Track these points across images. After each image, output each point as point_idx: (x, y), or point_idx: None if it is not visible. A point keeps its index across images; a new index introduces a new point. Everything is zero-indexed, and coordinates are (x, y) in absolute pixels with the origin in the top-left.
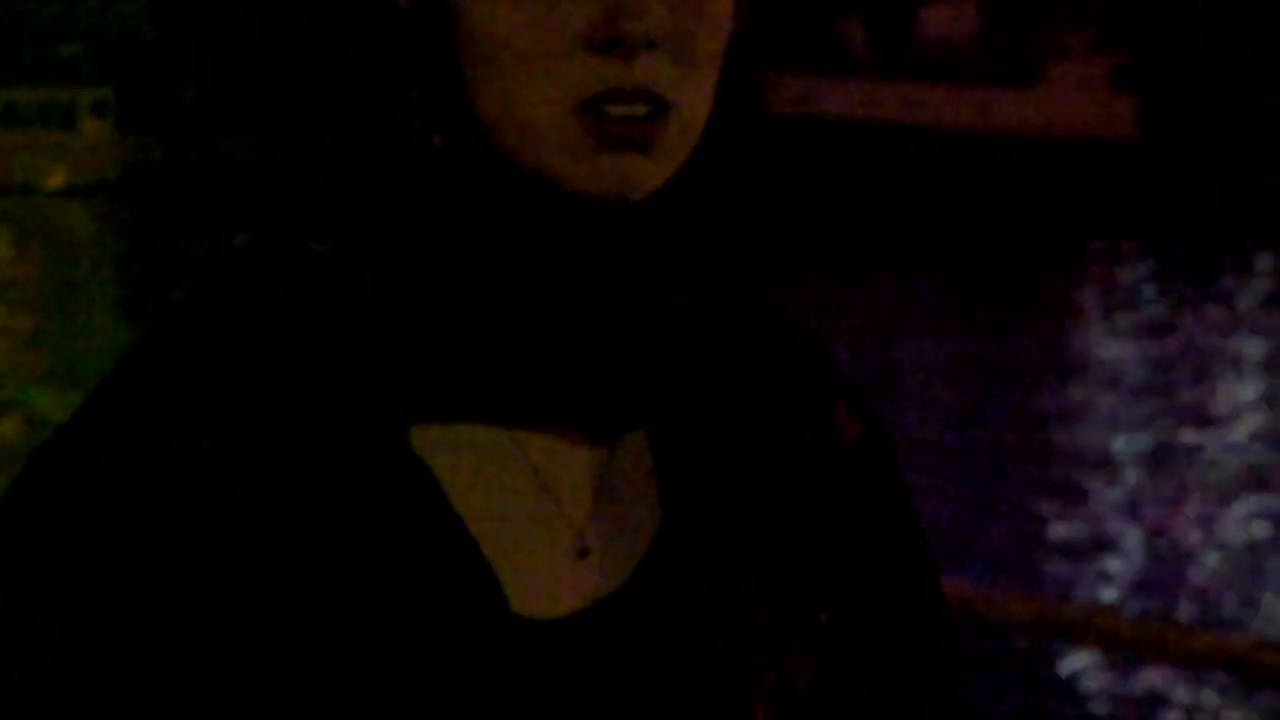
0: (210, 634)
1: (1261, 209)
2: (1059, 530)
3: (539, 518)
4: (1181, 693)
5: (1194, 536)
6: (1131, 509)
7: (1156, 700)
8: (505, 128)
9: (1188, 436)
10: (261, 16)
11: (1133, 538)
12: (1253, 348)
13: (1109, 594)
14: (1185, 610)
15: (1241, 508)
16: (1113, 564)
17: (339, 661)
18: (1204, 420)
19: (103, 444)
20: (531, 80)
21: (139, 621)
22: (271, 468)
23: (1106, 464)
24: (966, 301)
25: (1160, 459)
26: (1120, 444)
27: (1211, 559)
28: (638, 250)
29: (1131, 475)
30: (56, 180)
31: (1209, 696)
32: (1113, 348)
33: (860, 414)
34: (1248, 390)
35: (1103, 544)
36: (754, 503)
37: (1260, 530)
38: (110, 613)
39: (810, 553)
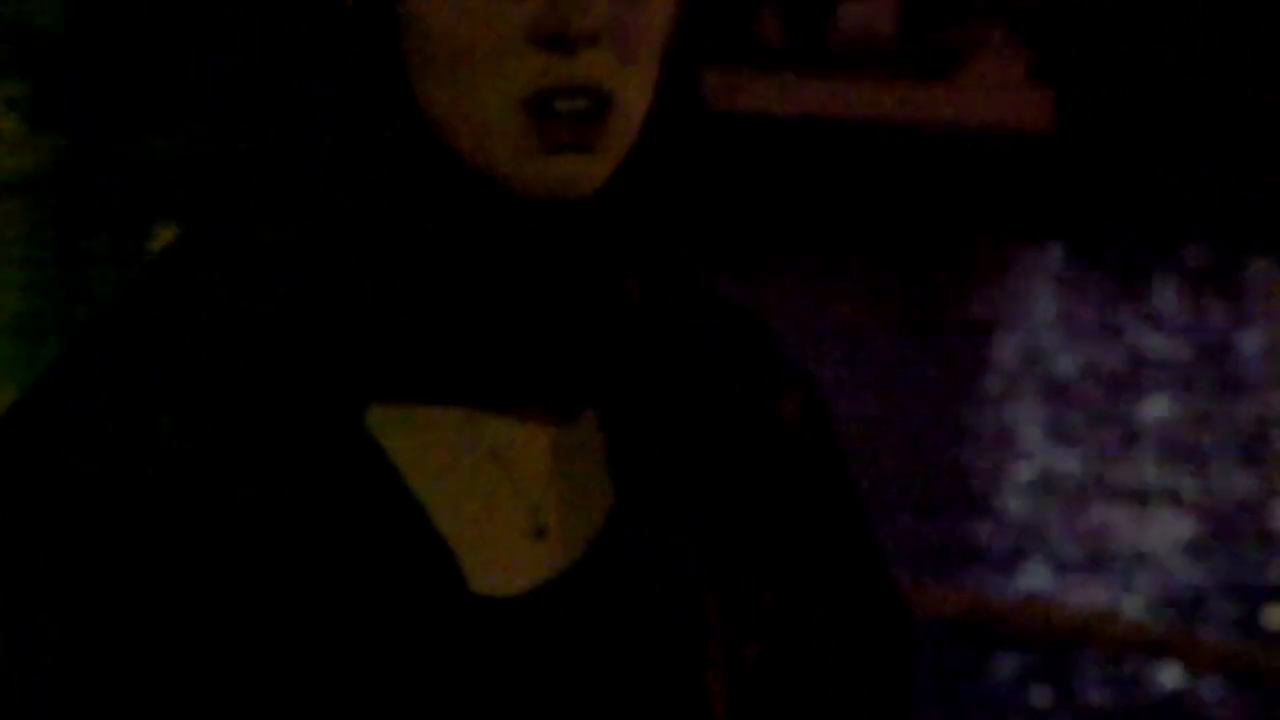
0: (166, 613)
1: (1179, 203)
2: (983, 529)
3: (496, 497)
4: (1097, 679)
5: (1125, 534)
6: (1049, 494)
7: (1077, 685)
8: (451, 124)
9: (1110, 443)
10: (203, 13)
11: (1057, 530)
12: (1174, 344)
13: (1032, 587)
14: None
15: (1162, 511)
16: (1039, 562)
17: (298, 641)
18: (1126, 425)
19: (57, 427)
20: (476, 76)
21: (99, 603)
22: (228, 450)
23: (1024, 460)
24: (885, 296)
25: (1081, 457)
26: (1036, 441)
27: (1140, 558)
28: (587, 240)
29: (1052, 469)
30: None
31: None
32: (1031, 340)
33: (806, 401)
34: (1168, 387)
35: (1028, 541)
36: (702, 483)
37: (1182, 531)
38: (72, 596)
39: (756, 533)
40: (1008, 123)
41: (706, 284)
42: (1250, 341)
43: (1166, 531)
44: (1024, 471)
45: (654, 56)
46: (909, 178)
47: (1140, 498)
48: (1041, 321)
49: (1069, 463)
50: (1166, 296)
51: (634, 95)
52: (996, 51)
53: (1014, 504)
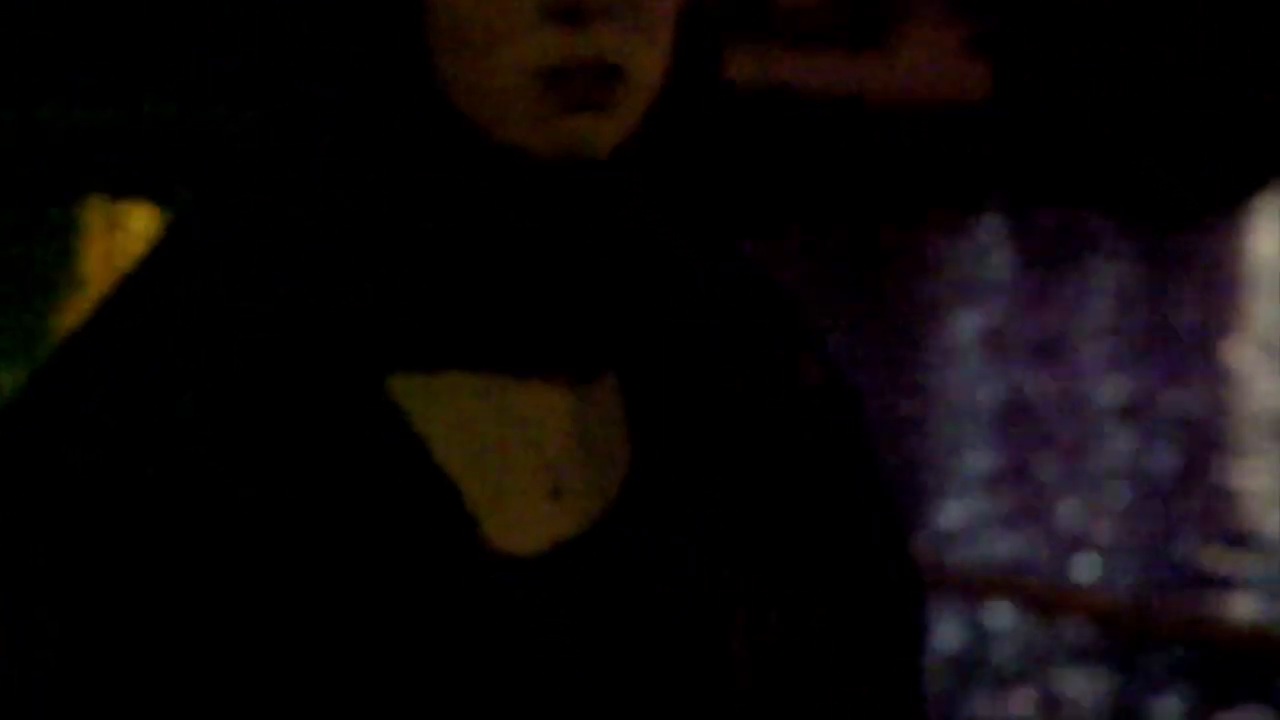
0: (187, 576)
1: (1111, 176)
2: (934, 496)
3: (515, 459)
4: (1015, 637)
5: (1053, 496)
6: (988, 450)
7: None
8: (468, 95)
9: (1042, 402)
10: None
11: (1008, 497)
12: (1106, 313)
13: (987, 555)
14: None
15: (1098, 458)
16: (993, 530)
17: (316, 600)
18: (1058, 389)
19: (81, 399)
20: (492, 50)
21: (124, 579)
22: (250, 420)
23: (962, 425)
24: (826, 265)
25: (1016, 423)
26: (976, 410)
27: (1068, 517)
28: (605, 203)
29: (984, 439)
30: None
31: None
32: (968, 308)
33: (824, 365)
34: (1101, 355)
35: (979, 505)
36: (722, 446)
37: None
38: (98, 570)
39: (778, 496)
40: (944, 93)
41: (725, 247)
42: (1186, 307)
43: (1110, 501)
44: (974, 439)
45: (667, 27)
46: (847, 147)
47: (1088, 469)
48: (981, 288)
49: (1019, 429)
50: (1102, 262)
51: (648, 66)
52: (932, 22)
53: (965, 470)
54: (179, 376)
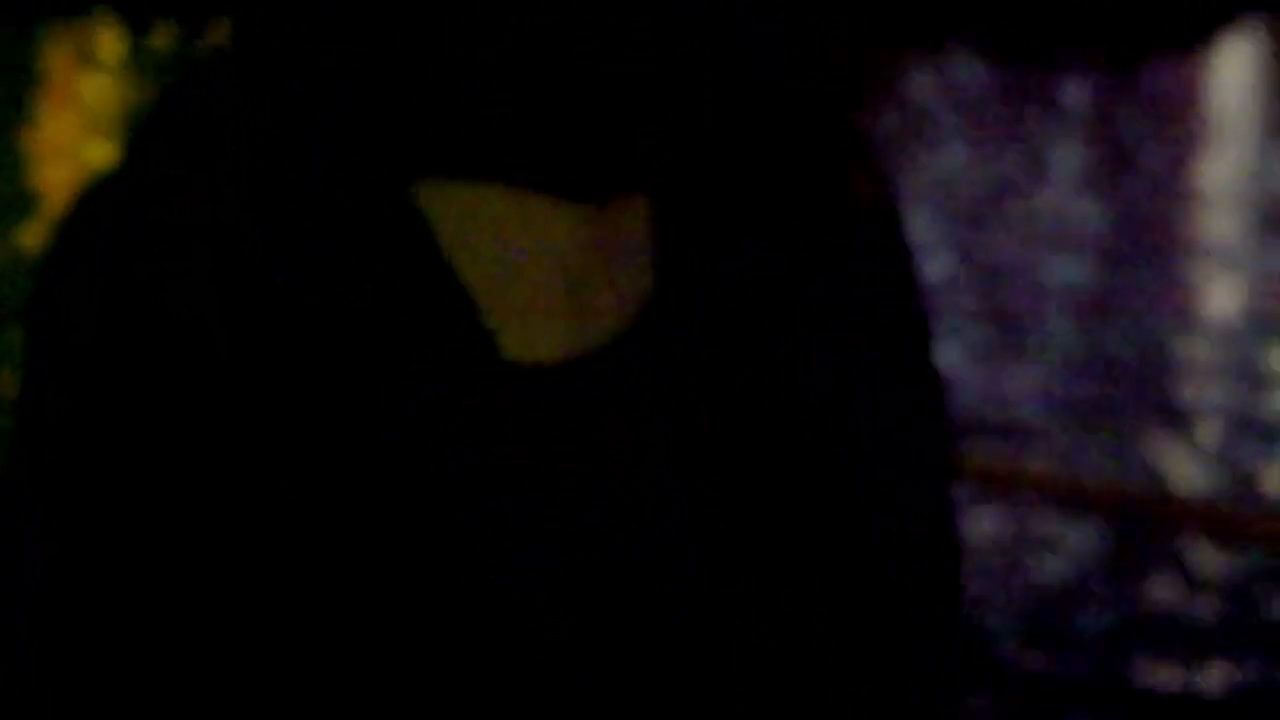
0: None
1: (1072, 10)
2: None
3: (535, 271)
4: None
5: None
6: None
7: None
8: None
9: (1015, 253)
10: None
11: (972, 349)
12: (1081, 148)
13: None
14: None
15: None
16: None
17: (321, 398)
18: (1036, 230)
19: (138, 192)
20: None
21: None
22: (269, 209)
23: (933, 261)
24: None
25: (990, 262)
26: (944, 254)
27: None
28: (645, 10)
29: (959, 280)
30: None
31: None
32: (937, 151)
33: (878, 189)
34: (1075, 190)
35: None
36: (751, 284)
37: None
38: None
39: (812, 328)
40: None
41: (772, 53)
42: (1154, 144)
43: (1069, 338)
44: (935, 280)
45: None
46: None
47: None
48: (946, 132)
49: (978, 270)
50: (1072, 99)
51: None
52: None
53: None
54: (205, 177)
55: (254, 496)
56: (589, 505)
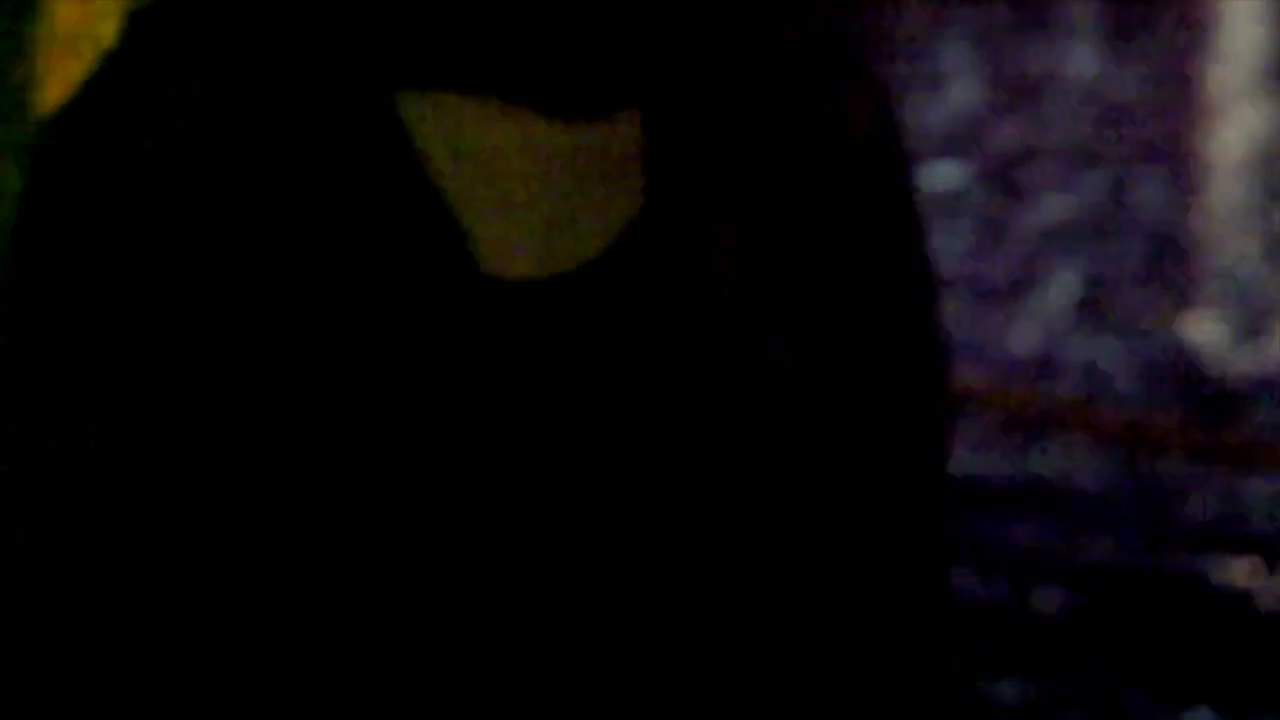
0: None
1: None
2: None
3: (518, 186)
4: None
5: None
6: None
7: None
8: None
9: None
10: None
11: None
12: (1094, 70)
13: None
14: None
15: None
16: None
17: (305, 307)
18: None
19: (102, 112)
20: None
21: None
22: (254, 117)
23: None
24: None
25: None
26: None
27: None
28: None
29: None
30: None
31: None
32: (965, 99)
33: (878, 113)
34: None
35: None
36: (742, 203)
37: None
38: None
39: (801, 250)
40: None
41: None
42: (1150, 81)
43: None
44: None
45: None
46: None
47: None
48: (976, 80)
49: (995, 213)
50: (1068, 26)
51: None
52: None
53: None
54: (187, 85)
55: (234, 379)
56: (551, 417)
